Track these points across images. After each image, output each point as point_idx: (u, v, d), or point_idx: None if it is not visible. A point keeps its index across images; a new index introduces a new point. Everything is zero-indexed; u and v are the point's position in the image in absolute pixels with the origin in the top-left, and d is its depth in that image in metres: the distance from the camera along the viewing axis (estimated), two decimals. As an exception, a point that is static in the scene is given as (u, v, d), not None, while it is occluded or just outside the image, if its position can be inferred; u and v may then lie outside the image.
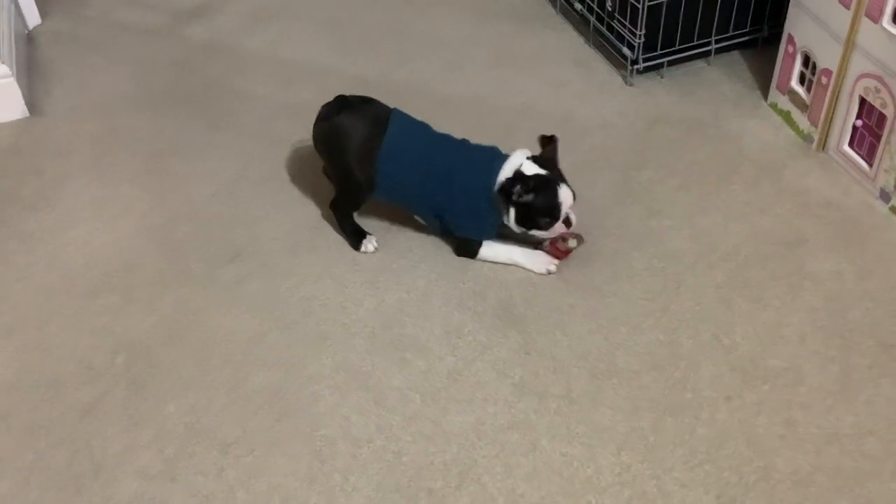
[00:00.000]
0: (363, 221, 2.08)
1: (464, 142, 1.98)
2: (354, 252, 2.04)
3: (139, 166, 2.29)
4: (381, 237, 2.05)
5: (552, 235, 1.94)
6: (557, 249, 1.98)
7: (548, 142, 1.93)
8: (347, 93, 2.02)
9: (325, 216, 2.11)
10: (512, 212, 1.89)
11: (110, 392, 1.77)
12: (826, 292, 1.90)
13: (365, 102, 2.00)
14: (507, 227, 1.94)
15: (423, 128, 1.99)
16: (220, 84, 2.55)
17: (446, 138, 1.98)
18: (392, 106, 1.99)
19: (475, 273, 1.98)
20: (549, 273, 1.96)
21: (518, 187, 1.84)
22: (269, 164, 2.27)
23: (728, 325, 1.85)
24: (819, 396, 1.71)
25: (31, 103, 2.49)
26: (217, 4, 2.87)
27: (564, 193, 1.88)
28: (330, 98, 2.01)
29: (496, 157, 1.91)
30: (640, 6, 2.32)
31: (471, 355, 1.81)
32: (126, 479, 1.63)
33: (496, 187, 1.88)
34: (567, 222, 1.91)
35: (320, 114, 2.00)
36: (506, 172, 1.88)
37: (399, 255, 2.03)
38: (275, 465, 1.64)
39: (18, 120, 2.45)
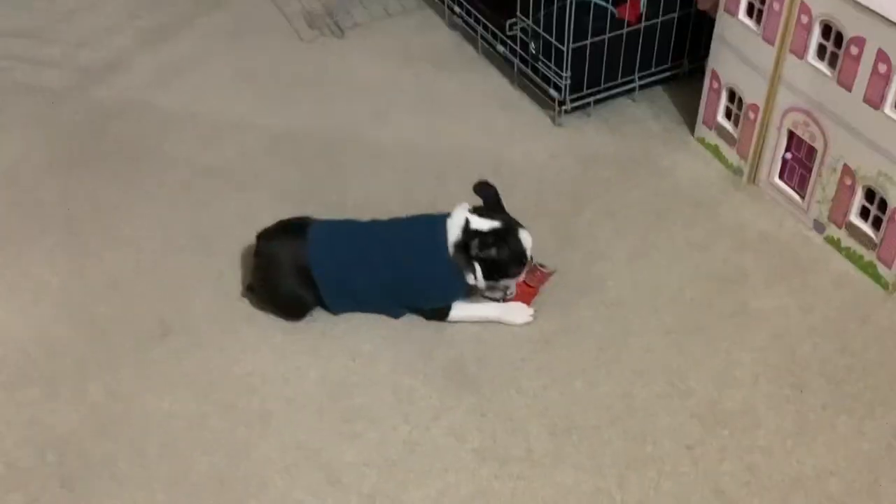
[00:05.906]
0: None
1: (395, 220, 1.91)
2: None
3: (51, 240, 2.14)
4: (319, 301, 1.98)
5: (520, 280, 1.90)
6: (528, 286, 1.93)
7: (484, 188, 1.88)
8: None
9: (258, 282, 2.02)
10: (478, 268, 1.83)
11: (42, 495, 1.63)
12: (772, 329, 1.90)
13: (290, 228, 1.91)
14: (473, 287, 1.87)
15: (347, 225, 1.92)
16: (134, 146, 2.42)
17: (375, 224, 1.92)
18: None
19: (420, 332, 1.91)
20: (528, 323, 1.91)
21: (475, 241, 1.78)
22: (192, 231, 2.16)
23: (681, 370, 1.83)
24: (778, 439, 1.70)
25: (-71, 176, 2.33)
26: (125, 60, 2.72)
27: (525, 236, 1.84)
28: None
29: (437, 221, 1.85)
30: (564, 49, 2.31)
31: (425, 422, 1.75)
32: (65, 592, 1.50)
33: (451, 249, 1.81)
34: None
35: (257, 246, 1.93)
36: (454, 232, 1.82)
37: (340, 317, 1.95)
38: (227, 561, 1.54)
39: (-85, 196, 2.28)
